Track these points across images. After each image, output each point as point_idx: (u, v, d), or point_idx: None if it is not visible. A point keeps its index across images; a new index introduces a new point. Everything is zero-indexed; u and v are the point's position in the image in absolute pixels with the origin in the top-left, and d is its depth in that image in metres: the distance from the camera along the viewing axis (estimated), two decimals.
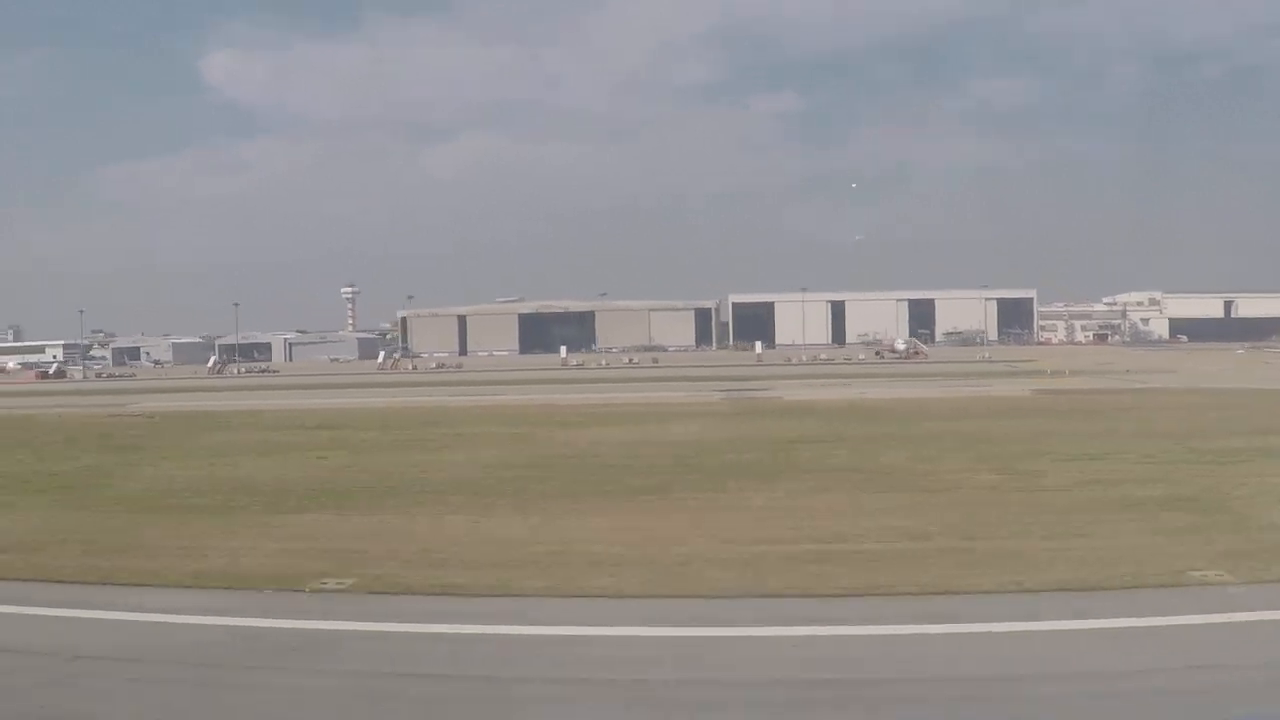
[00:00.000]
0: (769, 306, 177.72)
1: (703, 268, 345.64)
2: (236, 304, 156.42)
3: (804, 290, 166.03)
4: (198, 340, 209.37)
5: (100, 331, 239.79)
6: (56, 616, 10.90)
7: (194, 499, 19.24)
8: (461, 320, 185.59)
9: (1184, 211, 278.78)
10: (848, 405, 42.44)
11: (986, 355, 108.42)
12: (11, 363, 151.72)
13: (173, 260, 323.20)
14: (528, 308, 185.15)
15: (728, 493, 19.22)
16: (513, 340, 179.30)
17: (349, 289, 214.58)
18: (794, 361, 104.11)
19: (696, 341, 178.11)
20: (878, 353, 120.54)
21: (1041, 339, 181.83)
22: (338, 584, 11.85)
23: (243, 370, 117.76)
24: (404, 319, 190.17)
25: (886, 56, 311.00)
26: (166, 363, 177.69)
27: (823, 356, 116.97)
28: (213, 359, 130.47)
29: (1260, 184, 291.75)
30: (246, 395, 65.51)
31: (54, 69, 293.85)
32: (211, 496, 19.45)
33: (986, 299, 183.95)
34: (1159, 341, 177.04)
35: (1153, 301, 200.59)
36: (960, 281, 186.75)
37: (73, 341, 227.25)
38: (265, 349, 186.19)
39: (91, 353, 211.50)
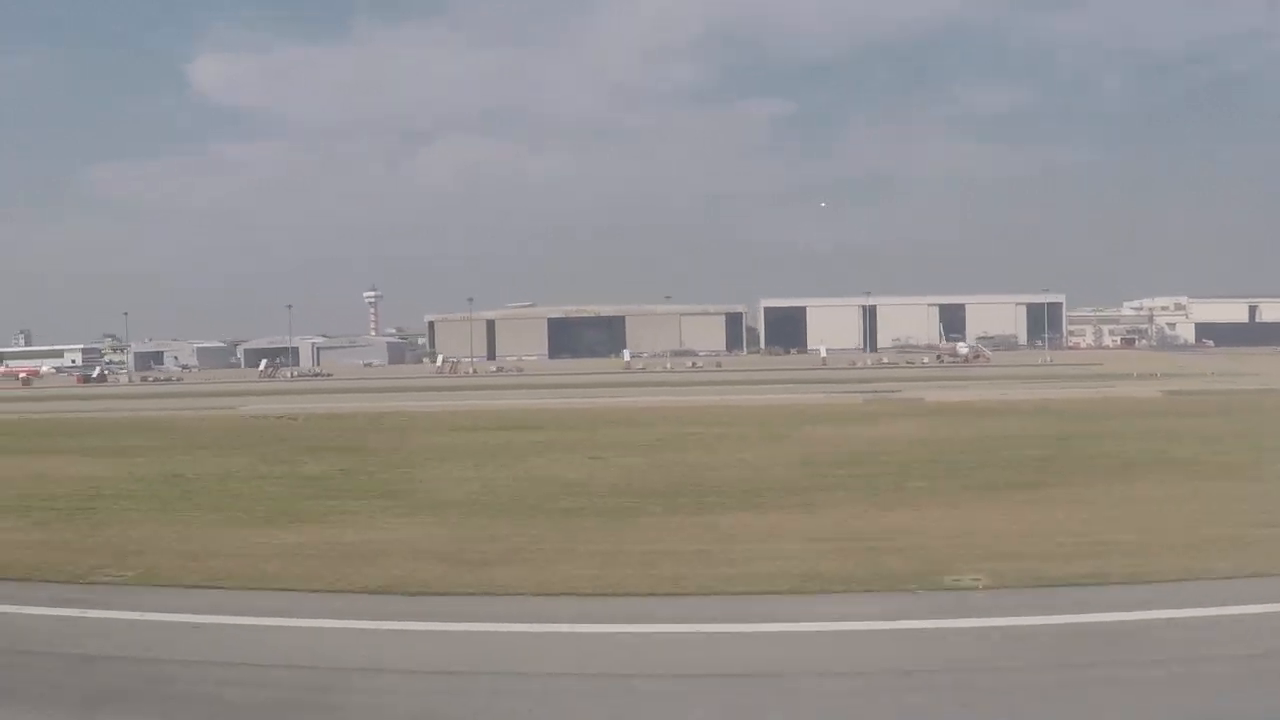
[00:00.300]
0: (801, 311, 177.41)
1: (703, 270, 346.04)
2: (259, 308, 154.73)
3: (833, 295, 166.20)
4: (220, 344, 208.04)
5: (111, 336, 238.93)
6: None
7: (564, 501, 18.28)
8: (490, 325, 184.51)
9: (1202, 216, 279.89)
10: (1033, 406, 41.78)
11: (1049, 359, 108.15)
12: (45, 366, 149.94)
13: (166, 264, 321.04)
14: (556, 312, 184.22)
15: (1128, 483, 18.62)
16: (541, 345, 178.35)
17: (371, 293, 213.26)
18: (858, 365, 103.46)
19: (727, 346, 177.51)
20: (939, 356, 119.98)
21: (1069, 344, 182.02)
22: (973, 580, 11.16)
23: (294, 375, 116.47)
24: (431, 323, 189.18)
25: (886, 60, 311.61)
26: (193, 367, 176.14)
27: (885, 360, 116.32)
28: (264, 363, 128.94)
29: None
30: (342, 398, 64.60)
31: (46, 70, 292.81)
32: (581, 498, 18.49)
33: (1017, 304, 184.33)
34: (1186, 346, 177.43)
35: (1178, 306, 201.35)
36: (987, 287, 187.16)
37: (91, 346, 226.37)
38: (292, 353, 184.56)
39: (108, 358, 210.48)
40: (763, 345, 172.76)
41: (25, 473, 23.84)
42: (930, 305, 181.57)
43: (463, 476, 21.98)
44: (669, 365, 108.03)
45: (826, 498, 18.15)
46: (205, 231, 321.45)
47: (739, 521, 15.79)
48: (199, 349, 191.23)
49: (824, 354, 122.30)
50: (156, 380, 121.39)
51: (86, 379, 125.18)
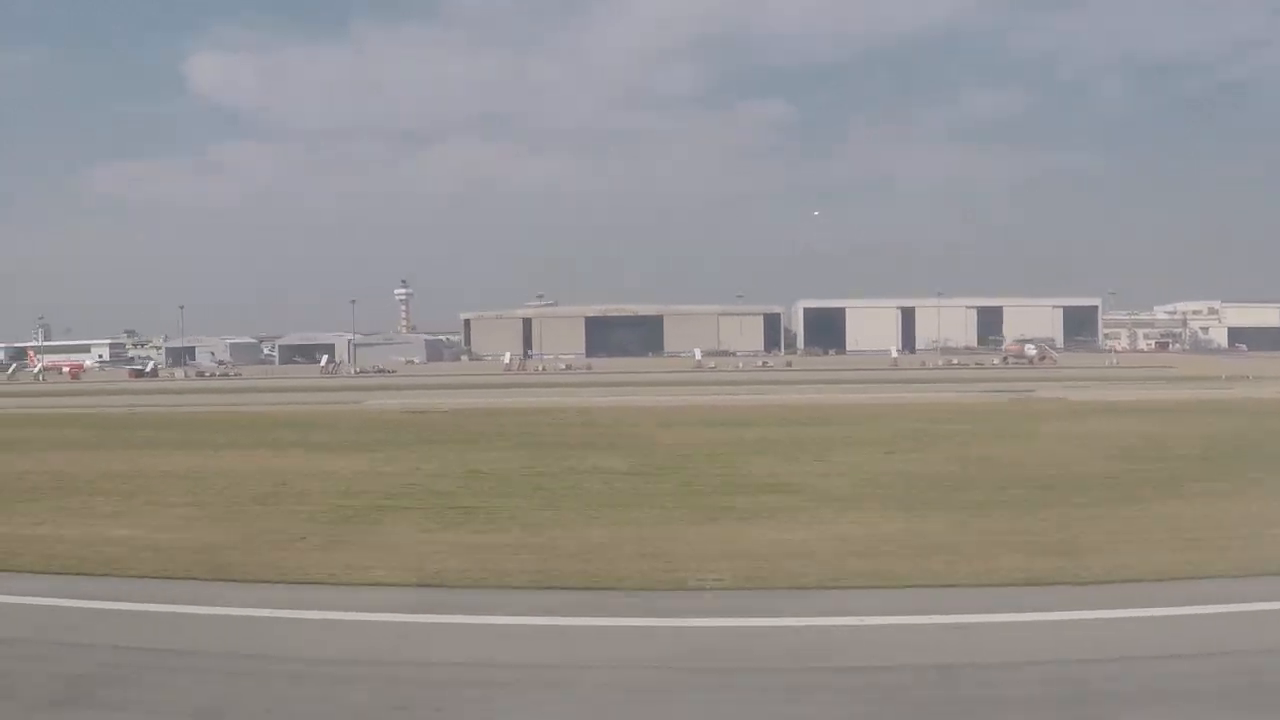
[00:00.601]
0: (839, 312, 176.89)
1: (704, 271, 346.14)
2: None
3: (871, 296, 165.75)
4: (251, 340, 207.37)
5: (130, 332, 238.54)
6: None
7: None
8: (526, 322, 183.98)
9: (1228, 221, 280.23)
10: (1196, 405, 41.46)
11: (1115, 361, 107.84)
12: (89, 360, 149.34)
13: (167, 264, 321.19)
14: (593, 311, 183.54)
15: None
16: (578, 343, 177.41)
17: (402, 290, 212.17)
18: (928, 366, 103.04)
19: (765, 346, 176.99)
20: (1005, 358, 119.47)
21: (1104, 347, 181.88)
22: None
23: (356, 371, 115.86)
24: (466, 320, 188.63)
25: (889, 64, 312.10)
26: (229, 363, 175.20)
27: (955, 361, 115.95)
28: (325, 358, 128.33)
29: None
30: (451, 394, 64.06)
31: (45, 70, 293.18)
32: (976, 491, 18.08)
33: (1053, 307, 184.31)
34: (1219, 350, 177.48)
35: (1211, 311, 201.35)
36: (1023, 289, 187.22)
37: (118, 340, 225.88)
38: (327, 349, 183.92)
39: (132, 353, 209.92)
40: (801, 346, 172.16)
41: (313, 469, 23.07)
42: (968, 308, 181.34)
43: (811, 470, 21.47)
44: (740, 365, 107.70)
45: (1214, 487, 17.84)
46: (208, 231, 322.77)
47: (1192, 509, 15.48)
48: (232, 345, 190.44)
49: (895, 354, 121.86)
50: (211, 376, 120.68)
51: (139, 374, 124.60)
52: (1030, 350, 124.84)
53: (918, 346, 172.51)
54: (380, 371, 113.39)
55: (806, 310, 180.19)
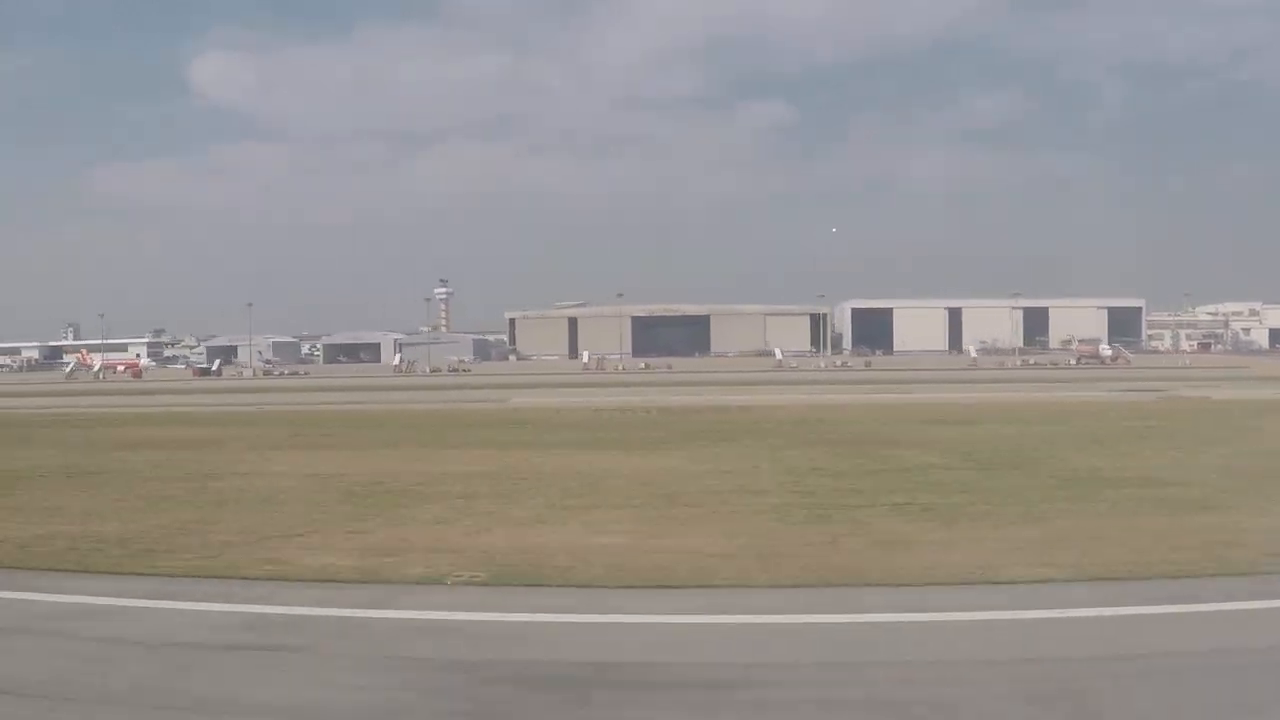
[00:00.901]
0: (887, 313, 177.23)
1: (708, 273, 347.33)
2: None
3: (918, 297, 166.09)
4: (292, 339, 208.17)
5: (162, 331, 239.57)
6: None
7: None
8: (572, 322, 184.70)
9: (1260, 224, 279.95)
10: None
11: (1187, 362, 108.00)
12: (144, 358, 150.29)
13: (170, 264, 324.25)
14: (640, 310, 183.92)
15: None
16: (625, 343, 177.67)
17: (443, 290, 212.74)
18: (1008, 366, 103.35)
19: (811, 347, 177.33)
20: (1080, 358, 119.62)
21: (1148, 347, 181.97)
22: None
23: (430, 370, 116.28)
24: (511, 320, 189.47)
25: (904, 67, 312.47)
26: (275, 361, 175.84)
27: (1032, 361, 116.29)
28: (398, 358, 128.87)
29: None
30: (560, 393, 64.54)
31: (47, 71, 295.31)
32: None
33: (1098, 307, 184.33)
34: (1260, 350, 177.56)
35: (1252, 312, 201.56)
36: (1069, 290, 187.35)
37: (156, 340, 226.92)
38: (372, 348, 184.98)
39: (166, 352, 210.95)
40: (849, 346, 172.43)
41: (653, 467, 22.89)
42: (1014, 308, 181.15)
43: (1152, 462, 21.89)
44: (821, 364, 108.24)
45: None
46: (213, 231, 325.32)
47: None
48: (275, 343, 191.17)
49: (974, 354, 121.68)
50: (280, 375, 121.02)
51: (205, 372, 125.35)
52: (1106, 351, 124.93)
53: (964, 346, 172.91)
54: (455, 371, 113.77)
55: (854, 311, 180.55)
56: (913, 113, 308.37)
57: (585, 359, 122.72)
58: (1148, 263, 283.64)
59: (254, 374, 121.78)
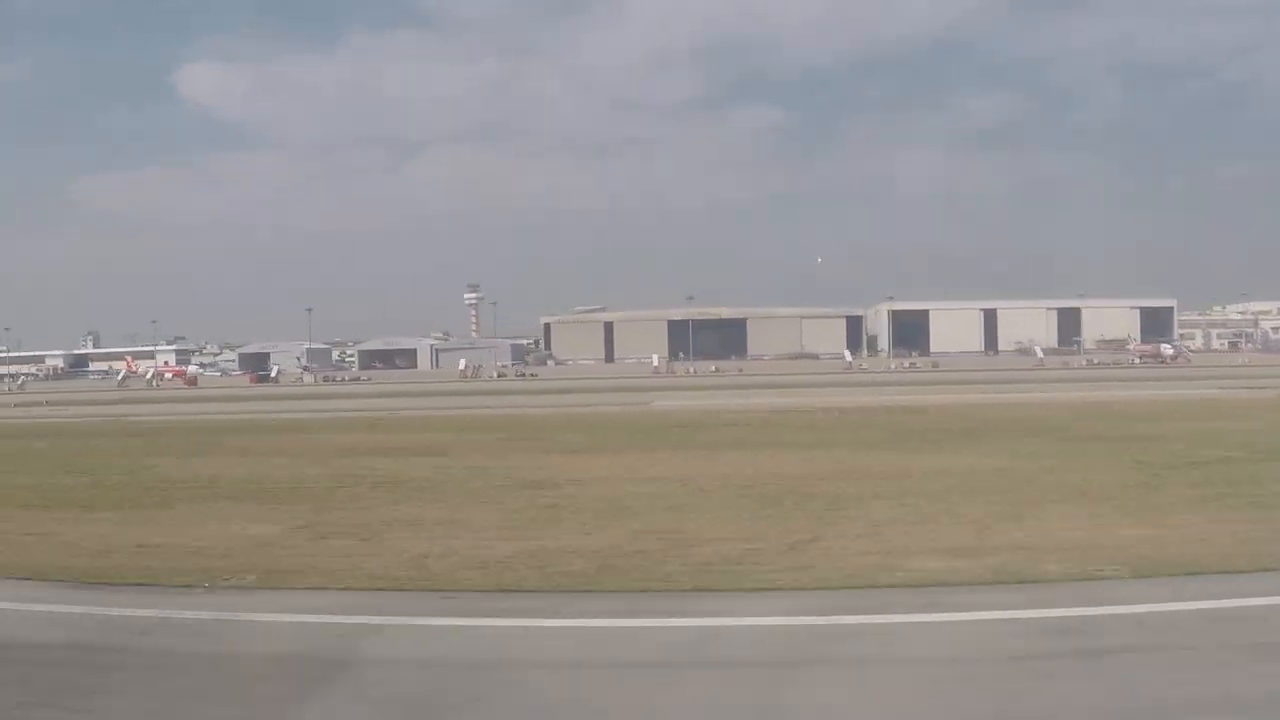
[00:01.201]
0: (924, 314, 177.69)
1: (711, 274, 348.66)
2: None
3: (954, 298, 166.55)
4: (325, 346, 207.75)
5: (182, 338, 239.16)
6: None
7: None
8: (608, 326, 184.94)
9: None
10: None
11: (1246, 361, 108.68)
12: (192, 365, 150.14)
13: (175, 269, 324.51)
14: (677, 314, 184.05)
15: None
16: (661, 347, 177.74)
17: (472, 295, 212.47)
18: (1072, 366, 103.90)
19: (847, 349, 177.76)
20: (1141, 357, 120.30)
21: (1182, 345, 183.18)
22: None
23: (498, 375, 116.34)
24: (546, 325, 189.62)
25: (908, 68, 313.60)
26: (313, 367, 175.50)
27: (1096, 361, 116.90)
28: (463, 362, 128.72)
29: None
30: (667, 395, 64.62)
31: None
32: None
33: (1130, 308, 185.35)
34: None
35: None
36: (1102, 291, 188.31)
37: (184, 347, 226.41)
38: (409, 354, 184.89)
39: (195, 359, 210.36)
40: (888, 348, 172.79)
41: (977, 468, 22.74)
42: (1049, 309, 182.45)
43: None
44: (891, 365, 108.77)
45: None
46: (212, 241, 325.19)
47: None
48: (310, 350, 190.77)
49: (1040, 354, 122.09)
50: (342, 381, 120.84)
51: (263, 379, 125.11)
52: (1168, 350, 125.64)
53: (1000, 347, 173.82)
54: (522, 376, 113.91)
55: (892, 313, 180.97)
56: (916, 113, 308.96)
57: (655, 362, 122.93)
58: (1146, 262, 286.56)
59: (315, 380, 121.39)
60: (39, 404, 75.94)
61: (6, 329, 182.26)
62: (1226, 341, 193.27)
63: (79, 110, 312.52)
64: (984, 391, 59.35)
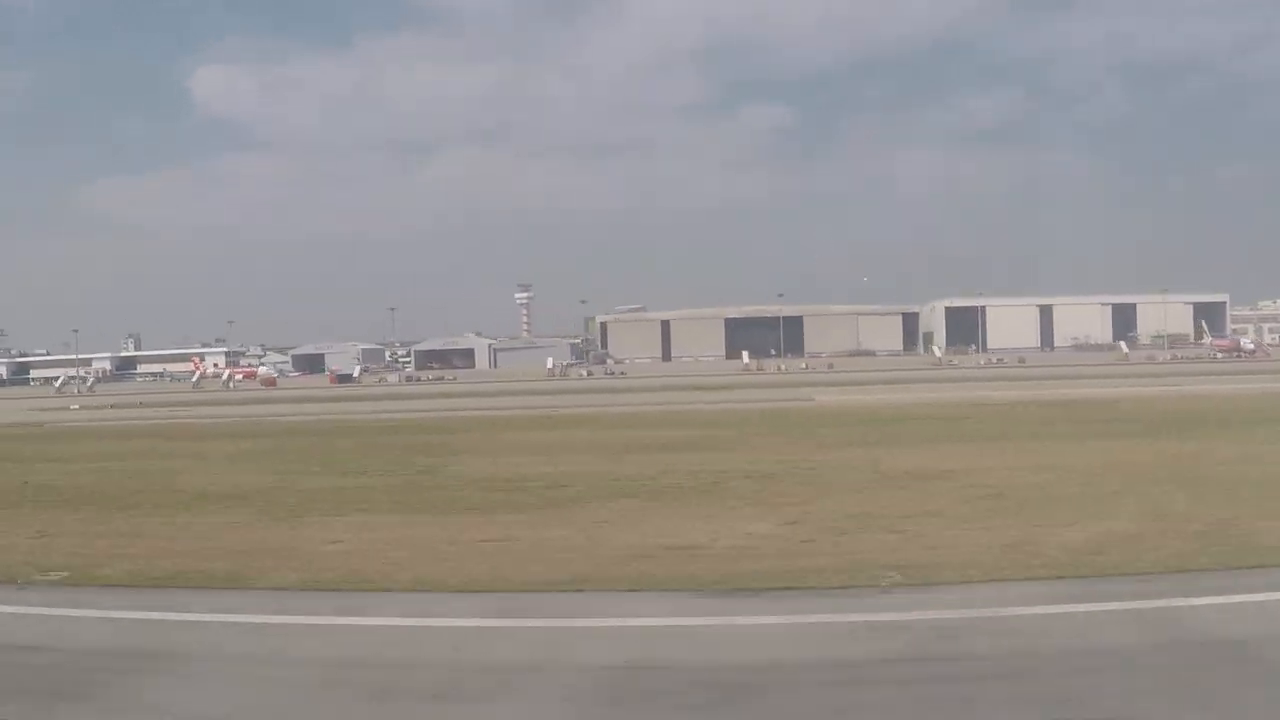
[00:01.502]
0: (980, 310, 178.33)
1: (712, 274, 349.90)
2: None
3: (1010, 295, 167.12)
4: (377, 346, 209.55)
5: (222, 340, 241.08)
6: None
7: None
8: (665, 325, 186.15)
9: None
10: None
11: None
12: (264, 367, 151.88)
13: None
14: (734, 312, 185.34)
15: None
16: (718, 345, 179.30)
17: (523, 294, 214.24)
18: (1159, 359, 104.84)
19: (904, 346, 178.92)
20: (1220, 351, 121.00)
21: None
22: None
23: (589, 373, 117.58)
24: (603, 324, 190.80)
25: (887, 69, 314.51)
26: (369, 368, 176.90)
27: (1179, 355, 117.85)
28: (550, 360, 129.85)
29: None
30: (814, 391, 65.38)
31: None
32: None
33: (1184, 303, 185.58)
34: None
35: None
36: (1154, 286, 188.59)
37: (234, 349, 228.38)
38: (466, 354, 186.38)
39: (243, 361, 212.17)
40: (944, 345, 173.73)
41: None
42: (1103, 305, 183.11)
43: None
44: (981, 361, 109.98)
45: None
46: (211, 250, 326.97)
47: None
48: (364, 350, 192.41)
49: (1126, 350, 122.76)
50: (418, 381, 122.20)
51: (344, 379, 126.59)
52: (1248, 344, 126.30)
53: (1056, 343, 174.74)
54: (611, 374, 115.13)
55: (948, 310, 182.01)
56: (917, 113, 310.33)
57: (745, 359, 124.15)
58: (1148, 262, 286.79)
59: (398, 380, 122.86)
60: (135, 405, 75.83)
61: (75, 331, 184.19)
62: (1278, 336, 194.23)
63: (95, 115, 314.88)
64: (1119, 386, 60.21)
